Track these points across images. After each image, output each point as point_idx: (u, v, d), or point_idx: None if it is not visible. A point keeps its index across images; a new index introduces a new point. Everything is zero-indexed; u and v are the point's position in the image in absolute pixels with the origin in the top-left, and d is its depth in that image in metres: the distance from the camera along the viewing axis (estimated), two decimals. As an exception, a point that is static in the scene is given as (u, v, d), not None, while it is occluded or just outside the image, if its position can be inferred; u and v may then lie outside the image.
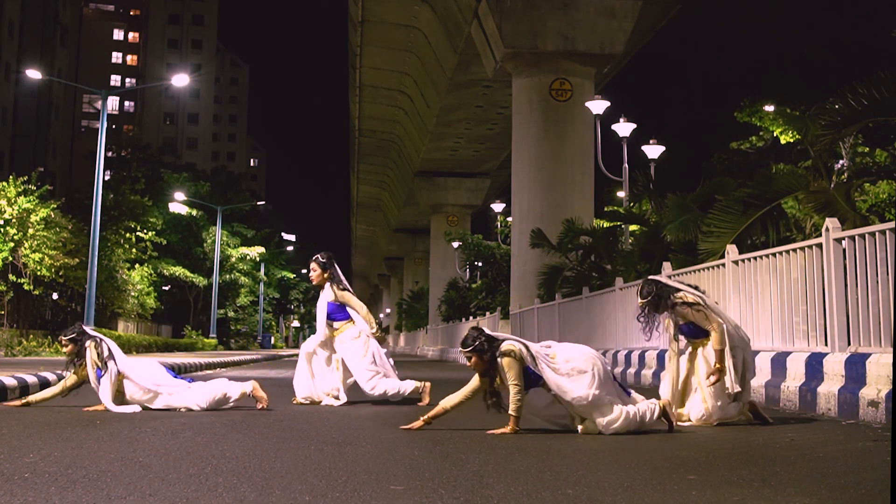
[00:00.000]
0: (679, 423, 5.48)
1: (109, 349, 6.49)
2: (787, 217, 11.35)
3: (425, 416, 5.07)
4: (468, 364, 5.07)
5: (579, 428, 4.96)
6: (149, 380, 6.52)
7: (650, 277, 5.92)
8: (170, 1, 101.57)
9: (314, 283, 7.48)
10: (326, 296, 7.35)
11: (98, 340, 6.51)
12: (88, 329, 6.70)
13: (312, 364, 7.38)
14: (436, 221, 48.02)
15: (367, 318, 7.37)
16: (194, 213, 43.69)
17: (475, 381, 5.06)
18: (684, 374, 5.75)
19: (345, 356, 7.27)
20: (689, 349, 5.77)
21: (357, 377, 7.27)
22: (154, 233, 32.02)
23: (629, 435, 4.94)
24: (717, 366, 5.42)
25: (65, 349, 6.54)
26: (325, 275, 7.38)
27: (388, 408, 6.96)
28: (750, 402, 5.68)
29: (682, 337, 5.77)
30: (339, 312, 7.34)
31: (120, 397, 6.44)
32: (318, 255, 7.48)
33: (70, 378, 6.51)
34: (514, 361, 4.93)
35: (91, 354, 6.43)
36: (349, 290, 7.43)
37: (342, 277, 7.45)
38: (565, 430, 5.05)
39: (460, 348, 5.07)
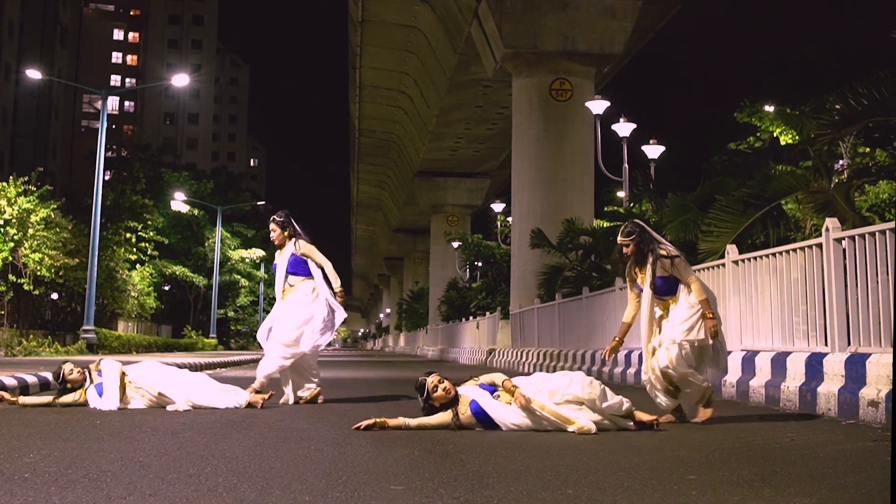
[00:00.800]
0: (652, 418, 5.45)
1: (99, 366, 6.56)
2: (787, 217, 11.36)
3: (381, 420, 5.07)
4: (437, 393, 5.13)
5: (571, 427, 4.95)
6: (153, 370, 6.63)
7: (634, 220, 5.98)
8: (170, 1, 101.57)
9: (276, 243, 7.34)
10: (288, 251, 7.20)
11: (90, 370, 6.59)
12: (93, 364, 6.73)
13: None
14: (436, 221, 48.05)
15: (332, 273, 7.23)
16: (196, 212, 43.71)
17: (443, 415, 5.12)
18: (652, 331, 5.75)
19: (281, 313, 7.09)
20: (658, 311, 5.74)
21: (273, 345, 7.05)
22: (155, 231, 32.02)
23: (629, 435, 4.94)
24: (709, 314, 5.53)
25: (72, 376, 6.55)
26: (286, 233, 7.28)
27: (389, 408, 6.96)
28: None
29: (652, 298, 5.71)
30: (300, 267, 7.19)
31: (122, 394, 6.45)
32: (275, 216, 7.39)
33: (68, 397, 6.51)
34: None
35: (88, 382, 6.53)
36: (314, 245, 7.34)
37: (302, 233, 7.34)
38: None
39: (422, 396, 5.14)
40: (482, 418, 5.06)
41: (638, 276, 5.78)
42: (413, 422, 5.09)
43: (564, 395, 5.02)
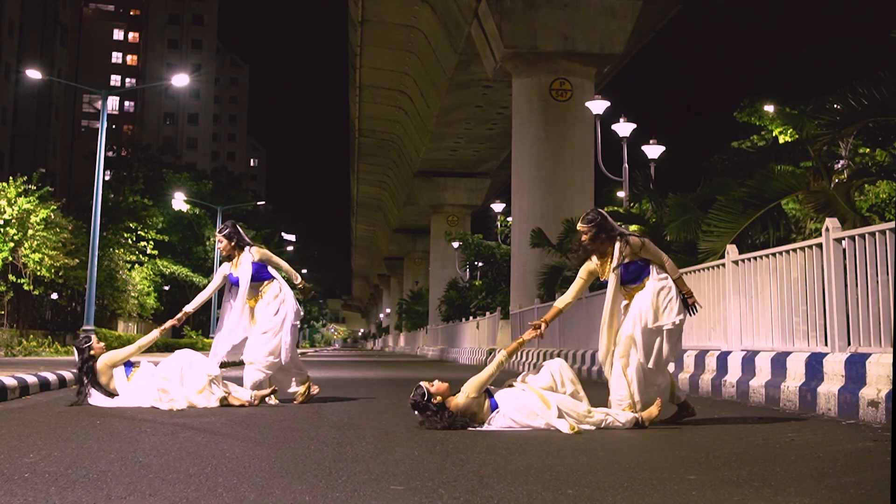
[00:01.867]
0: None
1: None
2: (787, 217, 11.36)
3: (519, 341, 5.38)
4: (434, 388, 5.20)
5: (565, 429, 4.97)
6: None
7: (595, 208, 5.88)
8: (170, 1, 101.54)
9: (223, 254, 7.38)
10: (246, 261, 7.22)
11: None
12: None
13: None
14: (436, 221, 48.05)
15: (290, 271, 7.39)
16: (196, 211, 43.73)
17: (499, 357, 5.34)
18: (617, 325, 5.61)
19: (258, 327, 7.13)
20: (624, 302, 5.58)
21: (255, 355, 7.10)
22: (155, 231, 32.05)
23: (629, 435, 4.94)
24: (686, 290, 5.51)
25: (99, 345, 6.83)
26: (233, 243, 7.30)
27: (389, 407, 6.97)
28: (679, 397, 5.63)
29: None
30: (263, 272, 7.26)
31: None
32: (220, 228, 7.47)
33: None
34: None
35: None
36: (264, 248, 7.45)
37: (248, 240, 7.42)
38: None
39: (424, 402, 5.17)
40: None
41: (601, 270, 5.58)
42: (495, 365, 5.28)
43: (538, 382, 5.24)
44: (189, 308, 7.36)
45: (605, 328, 5.58)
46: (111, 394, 6.64)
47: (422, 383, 5.21)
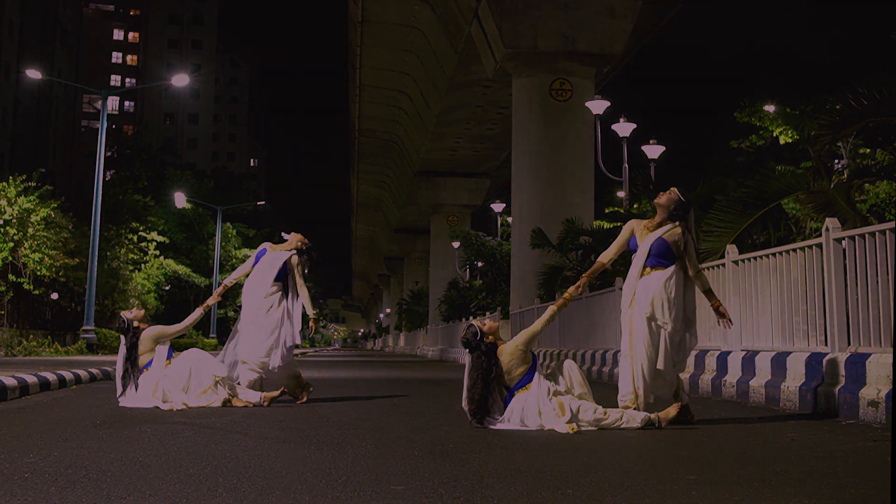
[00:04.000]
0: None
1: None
2: (787, 217, 11.36)
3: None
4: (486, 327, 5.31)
5: (568, 427, 4.97)
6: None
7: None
8: (170, 1, 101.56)
9: (288, 241, 7.30)
10: (286, 252, 7.19)
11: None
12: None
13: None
14: (436, 221, 48.05)
15: (308, 301, 7.30)
16: (199, 210, 43.83)
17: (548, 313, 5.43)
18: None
19: (258, 324, 7.06)
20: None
21: (246, 351, 7.05)
22: (157, 232, 32.08)
23: (629, 435, 4.94)
24: (717, 303, 5.67)
25: (131, 315, 6.87)
26: (298, 243, 7.27)
27: (389, 408, 6.97)
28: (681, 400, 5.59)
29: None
30: (286, 276, 7.18)
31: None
32: (312, 249, 7.40)
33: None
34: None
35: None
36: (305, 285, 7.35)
37: (306, 258, 7.35)
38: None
39: (476, 340, 5.23)
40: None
41: (642, 233, 5.62)
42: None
43: (555, 388, 5.20)
44: (228, 281, 7.48)
45: (627, 296, 5.61)
46: (137, 370, 6.65)
47: (473, 322, 5.30)
